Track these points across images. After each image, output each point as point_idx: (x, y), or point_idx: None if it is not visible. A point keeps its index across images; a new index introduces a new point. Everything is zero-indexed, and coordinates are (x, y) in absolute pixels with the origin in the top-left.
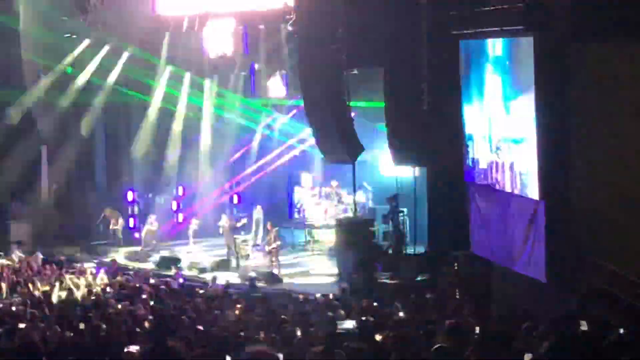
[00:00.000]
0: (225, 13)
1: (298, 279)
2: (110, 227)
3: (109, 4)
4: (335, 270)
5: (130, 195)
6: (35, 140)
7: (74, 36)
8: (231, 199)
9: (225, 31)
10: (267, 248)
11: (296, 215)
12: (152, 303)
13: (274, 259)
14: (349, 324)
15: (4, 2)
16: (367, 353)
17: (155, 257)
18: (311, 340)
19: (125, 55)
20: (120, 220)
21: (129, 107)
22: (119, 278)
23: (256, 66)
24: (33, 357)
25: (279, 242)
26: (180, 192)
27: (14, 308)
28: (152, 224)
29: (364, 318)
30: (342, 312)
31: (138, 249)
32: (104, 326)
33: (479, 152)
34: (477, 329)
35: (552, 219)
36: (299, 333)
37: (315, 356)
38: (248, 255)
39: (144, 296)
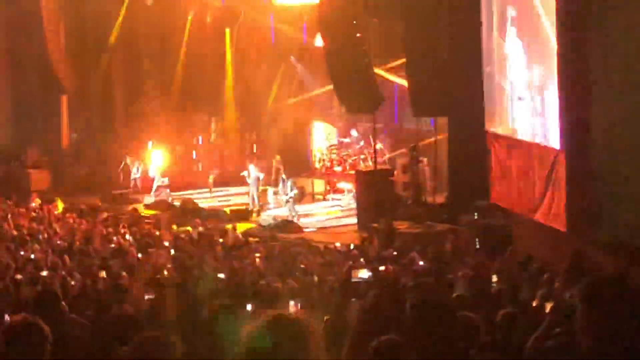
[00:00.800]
0: None
1: (318, 228)
2: (132, 175)
3: None
4: (355, 220)
5: (150, 144)
6: (55, 89)
7: None
8: (251, 147)
9: None
10: (285, 197)
11: (316, 165)
12: (172, 252)
13: (292, 208)
14: (366, 273)
15: None
16: (384, 301)
17: (176, 205)
18: (328, 289)
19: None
20: (141, 168)
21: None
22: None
23: None
24: (54, 305)
25: (295, 191)
26: (200, 141)
27: (33, 256)
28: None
29: (382, 267)
30: (362, 260)
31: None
32: (124, 274)
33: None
34: (494, 278)
35: (572, 169)
36: (316, 281)
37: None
38: (268, 204)
39: (165, 244)
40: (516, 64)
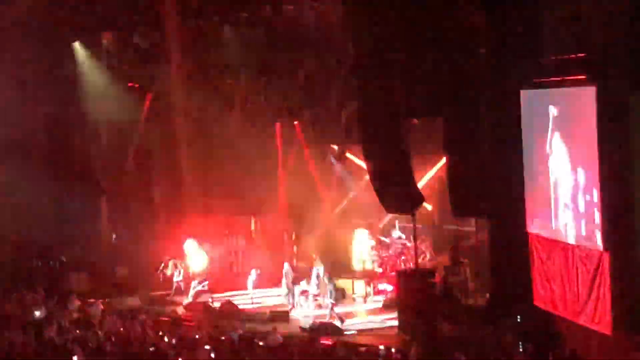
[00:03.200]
0: None
1: (359, 331)
2: (174, 278)
3: None
4: (396, 322)
5: (188, 244)
6: (95, 191)
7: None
8: (292, 247)
9: None
10: (325, 299)
11: (356, 267)
12: (212, 355)
13: (332, 310)
14: None
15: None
16: None
17: (215, 308)
18: None
19: None
20: (183, 271)
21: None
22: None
23: None
24: None
25: (333, 294)
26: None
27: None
28: (201, 283)
29: None
30: None
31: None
32: None
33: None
34: None
35: (616, 271)
36: None
37: None
38: (308, 306)
39: (205, 347)
40: (559, 165)
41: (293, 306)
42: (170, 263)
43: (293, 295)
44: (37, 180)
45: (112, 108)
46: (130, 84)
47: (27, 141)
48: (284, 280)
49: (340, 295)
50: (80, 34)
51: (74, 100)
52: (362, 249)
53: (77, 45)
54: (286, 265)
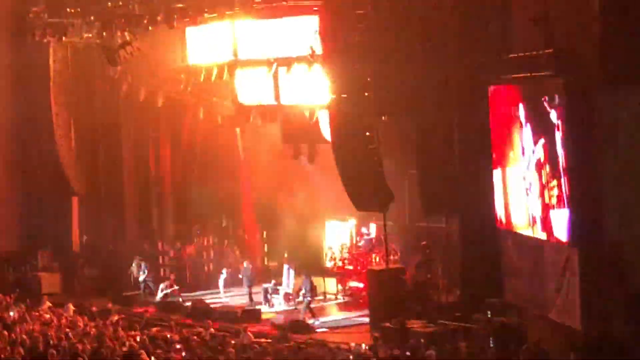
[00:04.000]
0: (254, 61)
1: (329, 328)
2: (140, 278)
3: (139, 55)
4: (367, 319)
5: (160, 245)
6: (65, 191)
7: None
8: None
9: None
10: (304, 298)
11: (327, 264)
12: (183, 354)
13: (308, 306)
14: None
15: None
16: None
17: (187, 307)
18: None
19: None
20: (145, 270)
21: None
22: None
23: None
24: None
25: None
26: (211, 241)
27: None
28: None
29: None
30: None
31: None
32: None
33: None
34: None
35: (584, 266)
36: None
37: None
38: (279, 303)
39: (177, 346)
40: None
41: (250, 302)
42: (134, 263)
43: (250, 293)
44: (7, 181)
45: (83, 107)
46: (100, 84)
47: None
48: (244, 279)
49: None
50: (53, 31)
51: (44, 99)
52: (332, 245)
53: (51, 42)
54: (245, 264)
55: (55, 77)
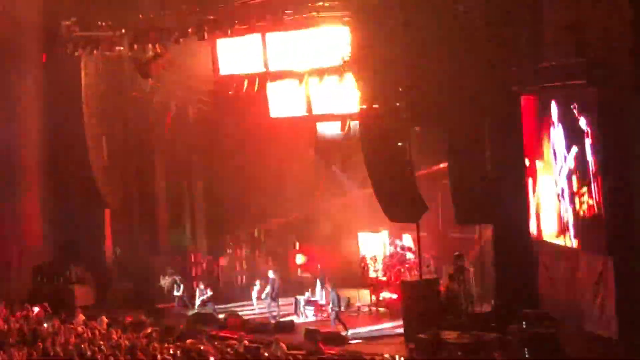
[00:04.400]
0: (286, 72)
1: (364, 340)
2: (174, 292)
3: (171, 67)
4: (401, 330)
5: (192, 257)
6: (98, 204)
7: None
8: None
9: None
10: (329, 308)
11: (360, 275)
12: None
13: (337, 318)
14: None
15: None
16: None
17: (220, 319)
18: None
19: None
20: (180, 285)
21: (191, 169)
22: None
23: None
24: None
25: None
26: (244, 252)
27: None
28: (204, 291)
29: None
30: None
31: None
32: None
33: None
34: None
35: (620, 275)
36: None
37: None
38: (313, 315)
39: (211, 359)
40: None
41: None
42: (169, 279)
43: (277, 304)
44: (40, 194)
45: (115, 120)
46: (135, 93)
47: (29, 156)
48: (267, 289)
49: (345, 304)
50: (84, 45)
51: (75, 112)
52: (365, 256)
53: (82, 55)
54: (270, 274)
55: (86, 91)
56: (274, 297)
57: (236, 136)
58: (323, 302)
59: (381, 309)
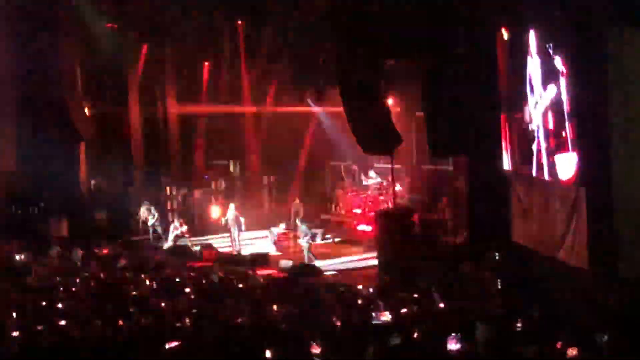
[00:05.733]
0: None
1: (338, 271)
2: (149, 222)
3: None
4: (376, 262)
5: (168, 190)
6: (73, 137)
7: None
8: (270, 190)
9: None
10: (304, 241)
11: (334, 209)
12: (192, 297)
13: (309, 251)
14: (388, 315)
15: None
16: (402, 347)
17: (195, 251)
18: (349, 332)
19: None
20: (155, 214)
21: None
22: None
23: None
24: (72, 354)
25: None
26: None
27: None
28: (179, 227)
29: (403, 309)
30: (381, 303)
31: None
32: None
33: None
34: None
35: (592, 207)
36: (338, 325)
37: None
38: (287, 247)
39: (186, 290)
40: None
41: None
42: (143, 208)
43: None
44: (13, 126)
45: (90, 51)
46: (108, 25)
47: (1, 85)
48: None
49: (320, 236)
50: None
51: (50, 44)
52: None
53: None
54: (230, 207)
55: (61, 23)
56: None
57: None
58: (298, 234)
59: (355, 240)
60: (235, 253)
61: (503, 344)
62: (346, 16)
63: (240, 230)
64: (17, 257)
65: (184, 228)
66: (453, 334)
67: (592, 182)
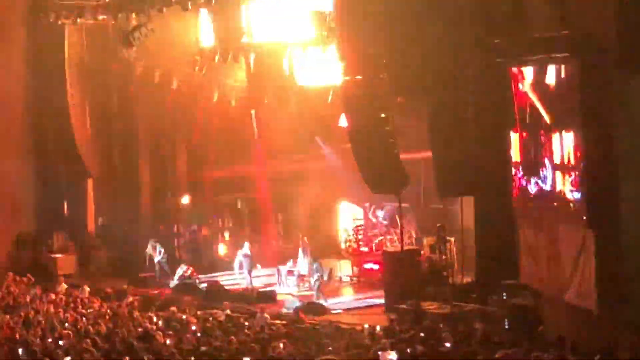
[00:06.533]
0: (269, 43)
1: (344, 310)
2: (155, 259)
3: (154, 37)
4: (382, 301)
5: (175, 227)
6: (81, 173)
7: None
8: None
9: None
10: (313, 279)
11: (343, 246)
12: (198, 335)
13: (319, 289)
14: (394, 355)
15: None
16: None
17: (202, 288)
18: None
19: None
20: (161, 250)
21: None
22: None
23: None
24: None
25: (318, 274)
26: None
27: (61, 342)
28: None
29: (409, 349)
30: (389, 342)
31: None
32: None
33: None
34: None
35: (601, 249)
36: None
37: None
38: (294, 285)
39: (192, 328)
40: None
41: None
42: (150, 245)
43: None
44: (22, 163)
45: (98, 89)
46: (115, 66)
47: (11, 124)
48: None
49: (327, 274)
50: (67, 13)
51: (59, 81)
52: (347, 227)
53: (66, 24)
54: (245, 246)
55: (70, 59)
56: (249, 270)
57: (219, 106)
58: (305, 272)
59: (362, 280)
60: (248, 288)
61: None
62: (355, 54)
63: (253, 267)
64: (26, 294)
65: (189, 272)
66: None
67: (600, 224)
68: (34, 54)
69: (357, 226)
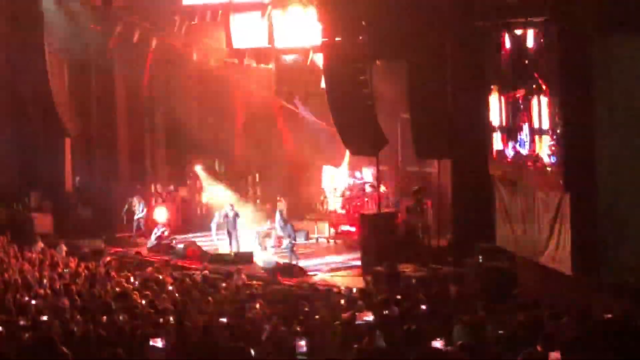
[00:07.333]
0: (248, 4)
1: (321, 272)
2: (135, 215)
3: None
4: (359, 263)
5: (153, 187)
6: (58, 132)
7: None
8: (255, 190)
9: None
10: (287, 241)
11: (319, 207)
12: (176, 295)
13: (292, 251)
14: (370, 316)
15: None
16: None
17: (179, 249)
18: (332, 332)
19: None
20: (144, 208)
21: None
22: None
23: None
24: (52, 350)
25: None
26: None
27: (34, 301)
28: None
29: (385, 311)
30: (361, 303)
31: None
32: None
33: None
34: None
35: (577, 212)
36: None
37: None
38: (271, 247)
39: (169, 288)
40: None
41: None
42: (133, 201)
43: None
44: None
45: (76, 48)
46: (92, 26)
47: None
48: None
49: (304, 237)
50: None
51: (36, 40)
52: (324, 189)
53: None
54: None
55: (47, 19)
56: (229, 230)
57: (198, 67)
58: (281, 233)
59: (339, 241)
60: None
61: (482, 347)
62: (335, 17)
63: (233, 229)
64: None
65: (166, 233)
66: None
67: (576, 188)
68: (11, 14)
69: (336, 188)
